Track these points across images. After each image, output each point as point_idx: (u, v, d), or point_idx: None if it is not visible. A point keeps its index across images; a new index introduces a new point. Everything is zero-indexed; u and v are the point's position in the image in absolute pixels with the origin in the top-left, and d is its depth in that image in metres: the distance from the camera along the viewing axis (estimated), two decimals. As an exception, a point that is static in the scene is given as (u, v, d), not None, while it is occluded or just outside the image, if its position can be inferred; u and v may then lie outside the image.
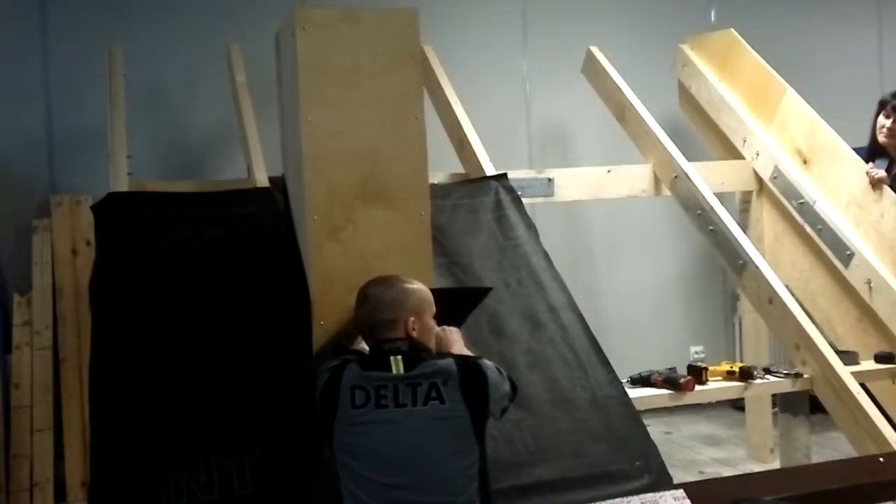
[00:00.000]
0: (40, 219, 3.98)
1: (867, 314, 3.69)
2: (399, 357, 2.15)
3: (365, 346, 2.34)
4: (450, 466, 2.10)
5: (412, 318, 2.25)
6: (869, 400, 3.19)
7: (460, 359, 2.21)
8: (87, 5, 4.21)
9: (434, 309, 2.35)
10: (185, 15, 4.34)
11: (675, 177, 3.75)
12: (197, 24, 4.33)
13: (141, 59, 3.93)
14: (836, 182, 3.82)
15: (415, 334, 2.24)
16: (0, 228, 3.99)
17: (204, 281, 2.78)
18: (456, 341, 2.40)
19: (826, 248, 3.78)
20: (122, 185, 3.06)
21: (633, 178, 3.90)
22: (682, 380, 3.22)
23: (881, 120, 3.80)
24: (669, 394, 3.22)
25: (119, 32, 3.81)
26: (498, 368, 2.25)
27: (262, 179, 3.22)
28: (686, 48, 4.47)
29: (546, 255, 3.25)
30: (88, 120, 4.05)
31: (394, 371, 2.13)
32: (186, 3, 4.36)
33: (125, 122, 3.33)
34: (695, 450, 4.38)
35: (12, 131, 4.11)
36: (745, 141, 4.11)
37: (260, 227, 2.94)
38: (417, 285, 2.35)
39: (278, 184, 3.10)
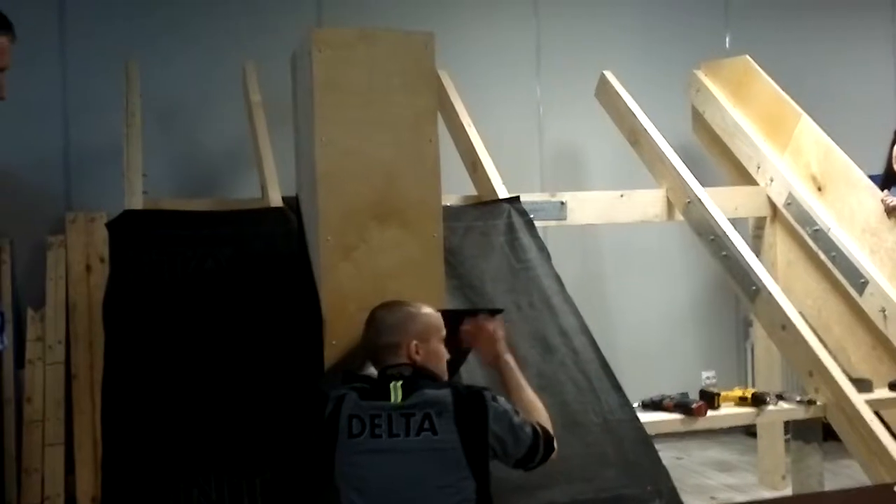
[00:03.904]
0: (55, 235, 4.01)
1: (881, 342, 3.66)
2: (399, 383, 2.12)
3: (373, 371, 2.32)
4: (436, 501, 2.04)
5: (415, 343, 2.21)
6: (883, 428, 3.16)
7: (456, 388, 2.14)
8: (106, 24, 4.26)
9: (443, 333, 2.31)
10: (202, 34, 4.39)
11: (689, 202, 3.75)
12: (213, 44, 4.37)
13: (157, 78, 3.97)
14: (851, 209, 3.80)
15: (418, 359, 2.21)
16: (16, 244, 4.02)
17: (217, 299, 2.79)
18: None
19: (840, 276, 3.76)
20: (137, 202, 3.08)
21: (646, 203, 3.90)
22: (694, 405, 3.20)
23: (897, 148, 3.80)
24: (681, 418, 3.20)
25: (136, 51, 3.84)
26: (516, 410, 2.17)
27: (275, 199, 3.23)
28: (700, 74, 4.47)
29: (558, 278, 3.25)
30: (104, 137, 4.09)
31: (392, 398, 2.10)
32: (203, 22, 4.41)
33: (141, 140, 3.36)
34: (706, 475, 4.35)
35: (30, 148, 4.15)
36: (759, 167, 4.10)
37: (273, 246, 2.95)
38: (425, 309, 2.31)
39: (292, 203, 3.12)
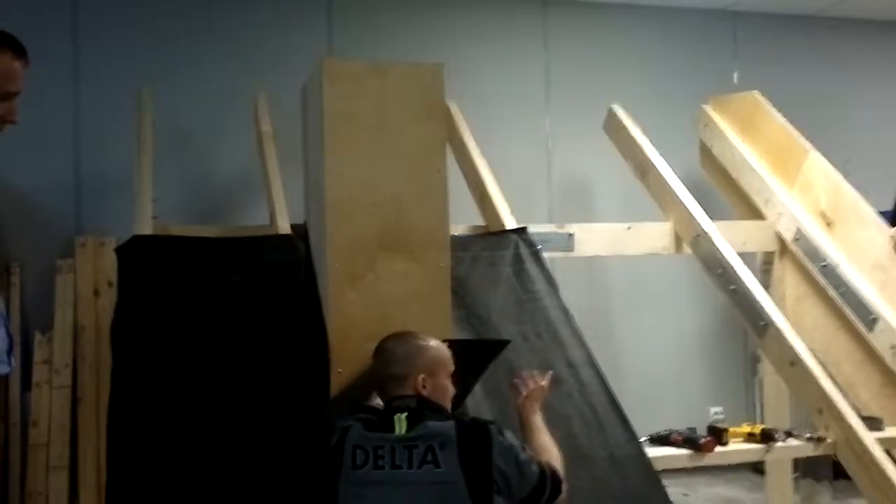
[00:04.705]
0: (65, 259, 4.03)
1: (892, 380, 3.62)
2: (404, 415, 2.11)
3: (380, 402, 2.32)
4: None
5: (422, 376, 2.22)
6: (893, 467, 3.12)
7: (460, 421, 2.14)
8: (119, 51, 4.32)
9: (452, 368, 2.31)
10: (215, 63, 4.44)
11: (697, 235, 3.74)
12: (225, 74, 4.42)
13: (169, 105, 4.00)
14: (861, 246, 3.79)
15: (425, 392, 2.20)
16: (25, 267, 4.04)
17: (224, 326, 2.79)
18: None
19: (850, 312, 3.74)
20: (146, 227, 3.09)
21: (654, 236, 3.89)
22: (702, 440, 3.17)
23: (906, 185, 3.79)
24: (688, 454, 3.16)
25: (149, 78, 3.88)
26: (524, 447, 2.17)
27: (284, 226, 3.24)
28: (708, 108, 4.49)
29: (565, 309, 3.24)
30: (115, 163, 4.13)
31: (396, 430, 2.10)
32: (216, 51, 4.46)
33: (152, 166, 3.38)
34: (713, 513, 4.30)
35: (41, 172, 4.19)
36: (767, 201, 4.10)
37: (281, 273, 2.95)
38: (434, 343, 2.31)
39: (300, 231, 3.13)
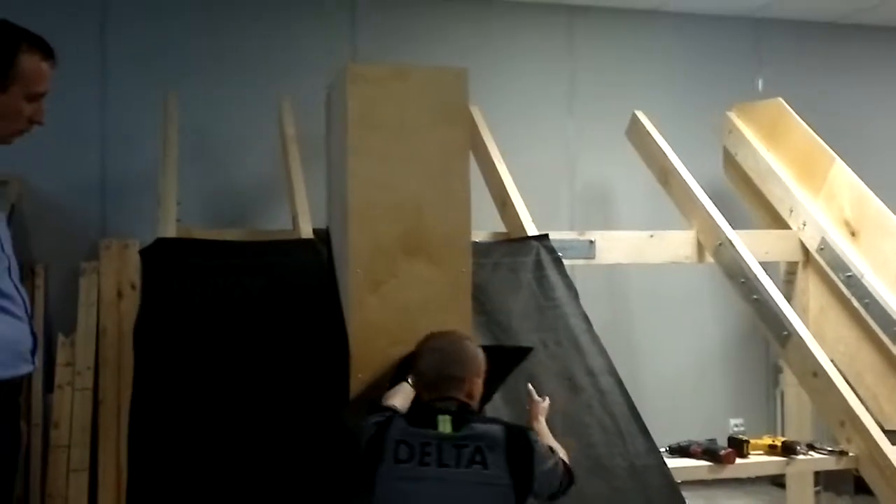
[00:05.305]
0: (88, 261, 4.06)
1: (916, 393, 3.58)
2: (448, 417, 2.15)
3: (395, 403, 2.34)
4: None
5: (477, 380, 2.29)
6: (917, 482, 3.08)
7: (507, 426, 2.20)
8: (145, 56, 4.36)
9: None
10: (240, 67, 4.47)
11: (720, 244, 3.72)
12: (250, 77, 4.45)
13: (194, 109, 4.03)
14: (885, 256, 3.75)
15: (474, 395, 2.27)
16: (49, 269, 4.07)
17: (246, 329, 2.80)
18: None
19: (873, 323, 3.69)
20: (170, 230, 3.11)
21: (676, 244, 3.87)
22: (722, 451, 3.14)
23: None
24: (708, 466, 3.14)
25: (175, 83, 3.92)
26: (550, 448, 2.25)
27: (306, 230, 3.26)
28: (733, 115, 4.47)
29: (585, 317, 3.22)
30: (140, 166, 4.16)
31: (440, 429, 2.14)
32: (242, 56, 4.49)
33: (177, 170, 3.41)
34: (733, 525, 4.26)
35: (67, 174, 4.23)
36: (791, 210, 4.07)
37: (303, 277, 2.96)
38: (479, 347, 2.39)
39: (321, 235, 3.14)
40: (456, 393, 2.23)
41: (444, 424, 2.14)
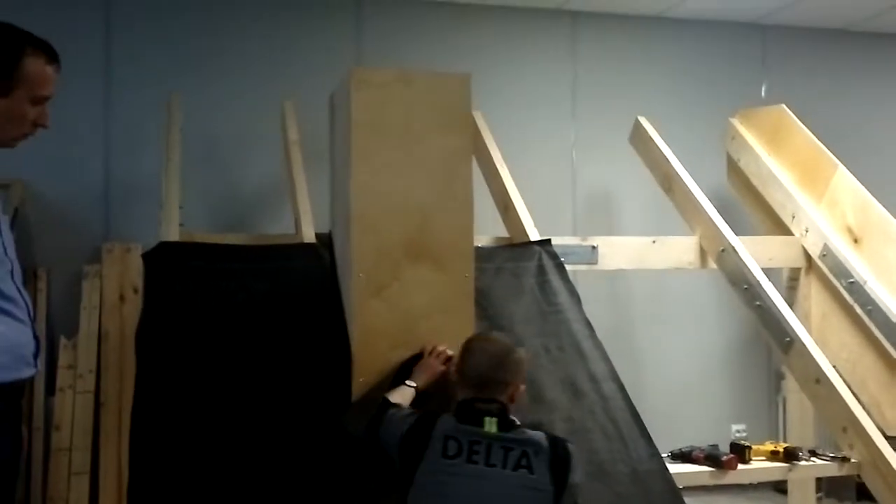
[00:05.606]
0: (91, 264, 4.06)
1: (919, 400, 3.58)
2: (494, 419, 2.18)
3: (402, 402, 2.35)
4: None
5: (522, 387, 2.33)
6: (920, 489, 3.07)
7: (549, 434, 2.25)
8: (149, 61, 4.37)
9: None
10: (243, 71, 4.48)
11: (722, 250, 3.71)
12: (254, 82, 4.46)
13: (197, 113, 4.04)
14: (889, 262, 3.75)
15: (514, 400, 2.29)
16: (52, 272, 4.08)
17: (248, 332, 2.80)
18: None
19: (876, 330, 3.69)
20: (172, 234, 3.12)
21: (679, 250, 3.87)
22: (724, 457, 3.14)
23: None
24: (710, 471, 3.14)
25: (178, 87, 3.92)
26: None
27: (309, 235, 3.26)
28: (736, 122, 4.47)
29: (588, 322, 3.22)
30: (143, 170, 4.17)
31: (486, 429, 2.17)
32: (244, 60, 4.50)
33: (179, 174, 3.41)
34: (735, 532, 4.25)
35: (71, 178, 4.24)
36: (793, 217, 4.07)
37: (305, 281, 2.96)
38: None
39: (324, 240, 3.13)
40: (500, 396, 2.26)
41: (491, 425, 2.17)
